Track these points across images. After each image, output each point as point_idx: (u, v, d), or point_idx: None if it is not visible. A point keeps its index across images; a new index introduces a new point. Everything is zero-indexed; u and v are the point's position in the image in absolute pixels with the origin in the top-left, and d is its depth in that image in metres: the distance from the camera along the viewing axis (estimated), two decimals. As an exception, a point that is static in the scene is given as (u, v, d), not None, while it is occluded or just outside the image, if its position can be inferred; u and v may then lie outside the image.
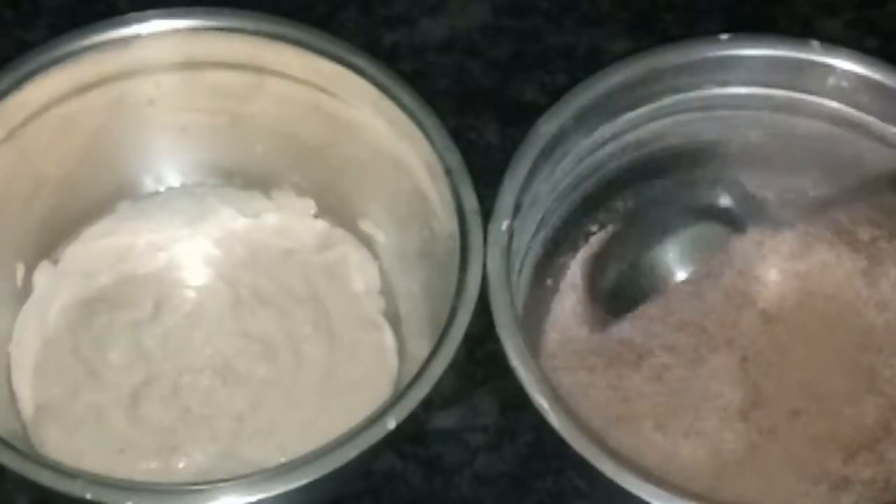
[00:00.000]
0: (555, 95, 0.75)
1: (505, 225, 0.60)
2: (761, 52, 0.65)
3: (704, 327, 0.66)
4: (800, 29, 0.79)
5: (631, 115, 0.65)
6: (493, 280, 0.58)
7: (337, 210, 0.69)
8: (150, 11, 0.66)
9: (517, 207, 0.60)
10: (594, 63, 0.77)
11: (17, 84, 0.64)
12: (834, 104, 0.66)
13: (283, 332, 0.64)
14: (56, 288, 0.66)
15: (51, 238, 0.68)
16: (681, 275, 0.63)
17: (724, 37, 0.65)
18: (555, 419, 0.56)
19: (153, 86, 0.67)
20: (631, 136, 0.66)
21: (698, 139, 0.67)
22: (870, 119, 0.65)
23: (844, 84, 0.65)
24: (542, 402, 0.56)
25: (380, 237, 0.68)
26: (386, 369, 0.65)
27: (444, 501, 0.64)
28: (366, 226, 0.69)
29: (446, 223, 0.62)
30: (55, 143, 0.66)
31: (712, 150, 0.67)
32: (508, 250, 0.60)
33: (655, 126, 0.66)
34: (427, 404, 0.58)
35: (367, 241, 0.69)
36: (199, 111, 0.69)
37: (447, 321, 0.58)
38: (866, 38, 0.78)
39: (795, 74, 0.65)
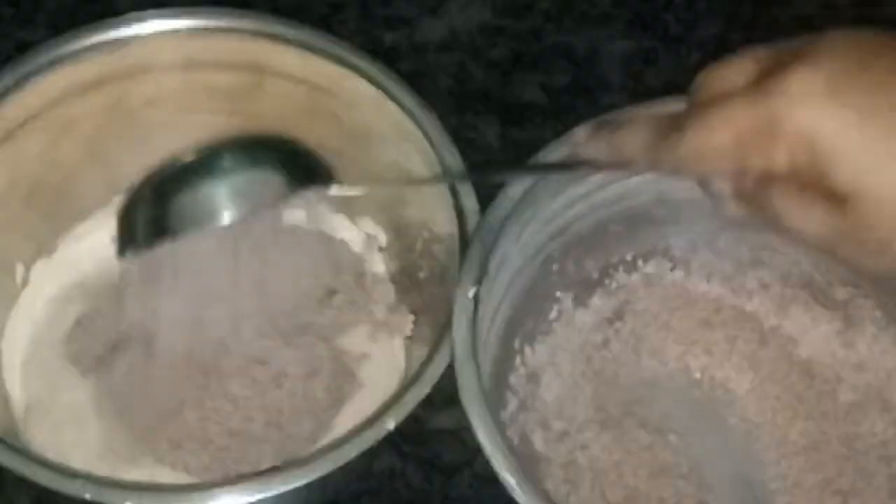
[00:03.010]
0: (555, 95, 0.75)
1: (472, 292, 0.58)
2: None
3: None
4: (800, 29, 0.79)
5: (595, 176, 0.62)
6: (459, 350, 0.57)
7: (336, 210, 0.69)
8: (150, 11, 0.66)
9: (484, 273, 0.58)
10: (594, 63, 0.77)
11: (17, 84, 0.64)
12: None
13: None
14: (43, 283, 0.66)
15: (50, 237, 0.68)
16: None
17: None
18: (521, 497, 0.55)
19: (153, 86, 0.67)
20: (598, 196, 0.63)
21: (669, 198, 0.64)
22: None
23: None
24: (508, 479, 0.55)
25: (380, 237, 0.68)
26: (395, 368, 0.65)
27: (444, 501, 0.64)
28: (365, 226, 0.69)
29: (446, 223, 0.62)
30: (55, 143, 0.66)
31: (685, 207, 0.65)
32: (475, 318, 0.57)
33: (625, 185, 0.63)
34: (427, 404, 0.58)
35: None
36: (199, 111, 0.69)
37: (447, 321, 0.58)
38: (866, 38, 0.78)
39: None
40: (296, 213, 0.69)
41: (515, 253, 0.61)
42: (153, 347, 0.62)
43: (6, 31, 0.77)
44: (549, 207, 0.62)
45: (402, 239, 0.67)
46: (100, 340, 0.64)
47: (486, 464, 0.65)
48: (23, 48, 0.65)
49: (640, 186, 0.63)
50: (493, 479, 0.65)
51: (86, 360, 0.64)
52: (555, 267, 0.64)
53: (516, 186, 0.60)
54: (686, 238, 0.67)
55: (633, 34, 0.78)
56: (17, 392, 0.64)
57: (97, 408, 0.63)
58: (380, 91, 0.65)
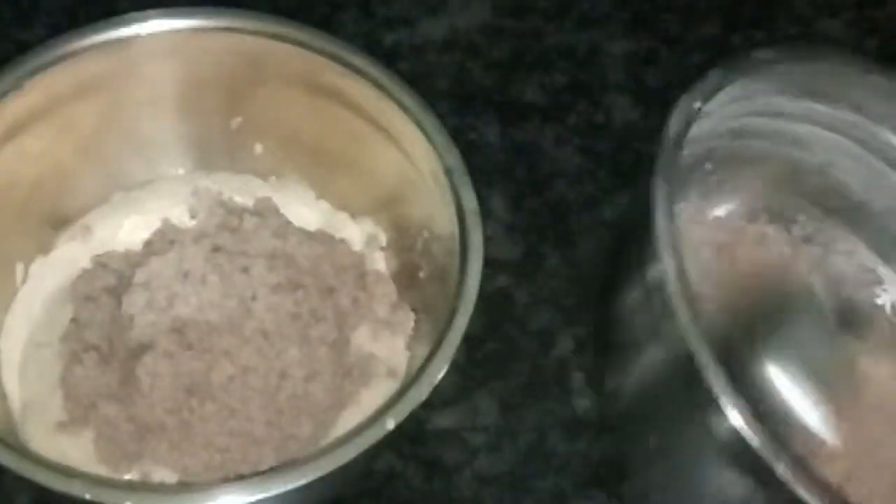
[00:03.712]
0: (555, 95, 0.76)
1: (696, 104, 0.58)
2: None
3: None
4: (800, 29, 0.79)
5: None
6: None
7: (337, 209, 0.69)
8: (150, 11, 0.66)
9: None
10: (594, 63, 0.77)
11: (17, 84, 0.64)
12: None
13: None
14: (42, 282, 0.66)
15: (49, 236, 0.68)
16: None
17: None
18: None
19: (153, 86, 0.67)
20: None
21: None
22: None
23: None
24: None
25: (380, 237, 0.68)
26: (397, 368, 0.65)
27: (444, 501, 0.64)
28: (366, 225, 0.69)
29: (446, 223, 0.62)
30: (55, 143, 0.66)
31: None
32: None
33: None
34: (427, 404, 0.58)
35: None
36: (199, 111, 0.69)
37: (447, 321, 0.58)
38: (866, 38, 0.78)
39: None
40: (296, 213, 0.69)
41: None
42: (152, 347, 0.62)
43: (6, 31, 0.77)
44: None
45: (403, 238, 0.67)
46: (97, 340, 0.64)
47: (487, 464, 0.65)
48: (23, 48, 0.65)
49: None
50: (493, 479, 0.65)
51: (84, 360, 0.64)
52: None
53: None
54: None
55: (633, 34, 0.78)
56: (14, 391, 0.64)
57: (91, 408, 0.63)
58: (380, 91, 0.65)
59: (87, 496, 0.55)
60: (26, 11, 0.78)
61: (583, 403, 0.67)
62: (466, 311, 0.59)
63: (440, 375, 0.57)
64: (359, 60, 0.65)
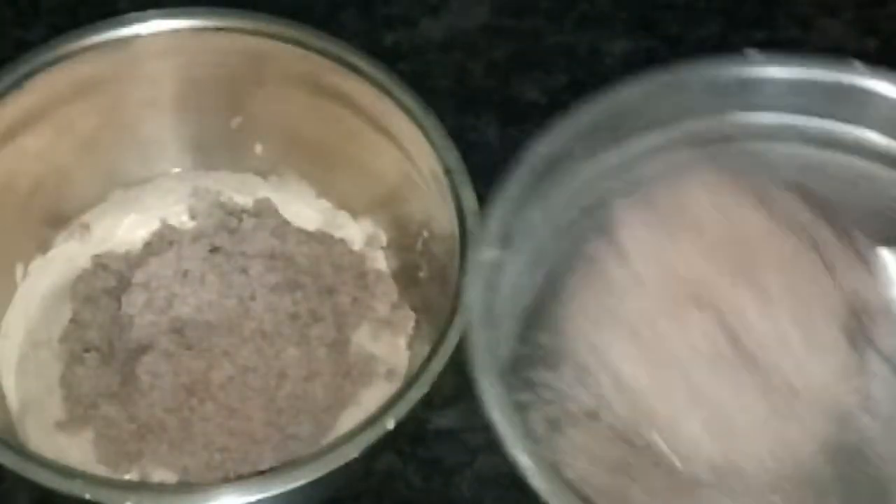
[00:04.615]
0: (555, 95, 0.75)
1: (490, 255, 0.51)
2: (794, 73, 0.56)
3: None
4: (800, 29, 0.79)
5: (640, 143, 0.56)
6: (475, 317, 0.50)
7: (336, 209, 0.69)
8: (150, 11, 0.66)
9: (507, 239, 0.52)
10: (594, 63, 0.77)
11: (17, 84, 0.64)
12: (880, 138, 0.57)
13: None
14: (40, 280, 0.66)
15: (48, 235, 0.68)
16: None
17: (752, 53, 0.57)
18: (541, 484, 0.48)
19: (153, 86, 0.67)
20: (641, 169, 0.56)
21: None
22: None
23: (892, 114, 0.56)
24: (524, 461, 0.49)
25: (380, 236, 0.68)
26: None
27: (444, 501, 0.64)
28: (366, 225, 0.69)
29: (446, 223, 0.62)
30: (55, 143, 0.66)
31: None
32: (494, 284, 0.51)
33: (670, 157, 0.57)
34: (427, 404, 0.58)
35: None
36: (199, 111, 0.69)
37: (447, 321, 0.58)
38: (866, 39, 0.78)
39: (832, 101, 0.56)
40: (296, 212, 0.69)
41: (541, 221, 0.54)
42: (152, 347, 0.62)
43: (6, 31, 0.77)
44: (585, 170, 0.55)
45: (403, 238, 0.67)
46: (97, 340, 0.64)
47: (487, 464, 0.65)
48: (23, 48, 0.65)
49: (691, 160, 0.56)
50: (493, 480, 0.65)
51: (84, 360, 0.64)
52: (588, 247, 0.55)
53: (546, 143, 0.54)
54: None
55: (633, 34, 0.78)
56: (12, 390, 0.64)
57: (91, 407, 0.63)
58: (380, 91, 0.65)
59: (87, 496, 0.55)
60: (26, 11, 0.77)
61: (583, 403, 0.67)
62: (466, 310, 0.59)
63: (440, 375, 0.57)
64: (359, 60, 0.65)
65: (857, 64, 0.56)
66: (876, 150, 0.56)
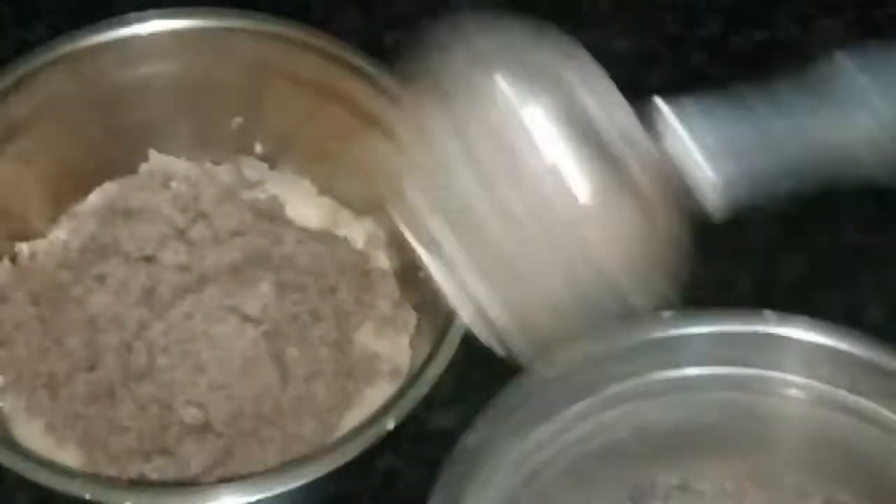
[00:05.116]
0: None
1: None
2: (710, 328, 0.58)
3: None
4: (800, 29, 0.79)
5: (568, 412, 0.57)
6: None
7: (337, 208, 0.69)
8: (150, 11, 0.66)
9: None
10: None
11: (17, 84, 0.64)
12: (798, 379, 0.59)
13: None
14: (27, 272, 0.66)
15: (45, 229, 0.68)
16: None
17: (667, 315, 0.58)
18: None
19: (153, 86, 0.67)
20: (572, 434, 0.58)
21: (649, 428, 0.59)
22: (846, 395, 0.58)
23: (807, 357, 0.58)
24: None
25: (381, 236, 0.68)
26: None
27: (444, 501, 0.64)
28: (367, 225, 0.69)
29: (446, 223, 0.62)
30: (55, 143, 0.66)
31: (666, 438, 0.60)
32: None
33: (599, 418, 0.58)
34: (427, 404, 0.58)
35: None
36: (199, 111, 0.69)
37: (447, 321, 0.58)
38: (866, 39, 0.78)
39: (750, 349, 0.58)
40: (298, 211, 0.69)
41: None
42: (152, 347, 0.62)
43: (6, 31, 0.77)
44: (516, 450, 0.56)
45: (402, 238, 0.67)
46: (85, 341, 0.64)
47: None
48: (23, 48, 0.65)
49: (617, 419, 0.59)
50: (493, 479, 0.65)
51: (63, 348, 0.63)
52: None
53: (475, 435, 0.56)
54: (674, 474, 0.61)
55: (633, 34, 0.78)
56: (9, 391, 0.64)
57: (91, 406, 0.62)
58: (380, 91, 0.65)
59: (87, 496, 0.55)
60: (26, 11, 0.77)
61: (583, 403, 0.67)
62: (466, 310, 0.59)
63: (440, 375, 0.57)
64: (359, 60, 0.65)
65: (768, 313, 0.58)
66: (799, 391, 0.59)
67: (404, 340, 0.65)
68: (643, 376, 0.59)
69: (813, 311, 0.59)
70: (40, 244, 0.67)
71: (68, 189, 0.68)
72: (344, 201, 0.69)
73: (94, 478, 0.58)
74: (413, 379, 0.58)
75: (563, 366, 0.57)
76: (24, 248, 0.67)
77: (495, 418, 0.56)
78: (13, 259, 0.66)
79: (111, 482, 0.58)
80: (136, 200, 0.67)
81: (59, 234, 0.67)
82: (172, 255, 0.64)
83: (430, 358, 0.58)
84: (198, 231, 0.66)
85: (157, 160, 0.69)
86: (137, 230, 0.65)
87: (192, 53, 0.67)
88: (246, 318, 0.63)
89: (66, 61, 0.65)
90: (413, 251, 0.63)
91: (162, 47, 0.66)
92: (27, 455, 0.57)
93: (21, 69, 0.64)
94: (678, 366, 0.59)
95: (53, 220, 0.68)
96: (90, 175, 0.68)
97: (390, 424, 0.56)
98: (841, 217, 0.72)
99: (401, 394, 0.58)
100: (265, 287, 0.63)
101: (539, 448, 0.57)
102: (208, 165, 0.69)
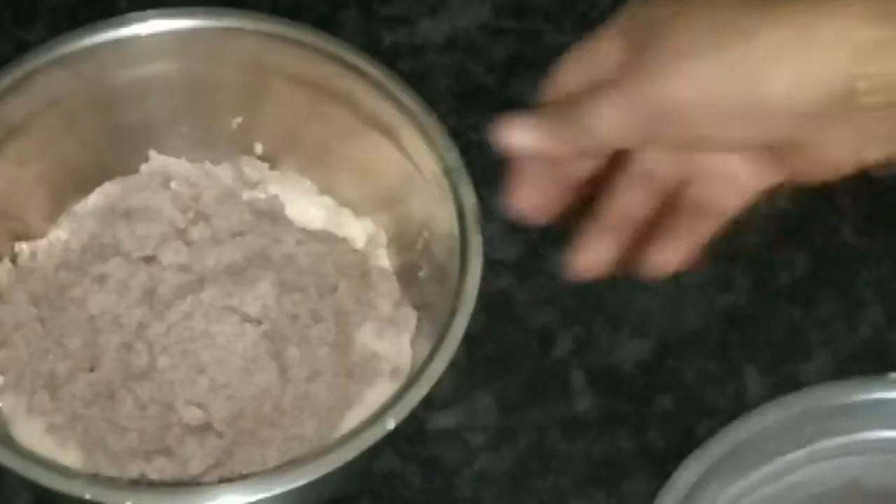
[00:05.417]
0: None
1: None
2: None
3: None
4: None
5: (781, 461, 0.59)
6: None
7: (338, 208, 0.69)
8: (150, 11, 0.66)
9: None
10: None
11: (17, 84, 0.64)
12: None
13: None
14: (28, 273, 0.66)
15: (44, 229, 0.68)
16: None
17: (893, 376, 0.59)
18: None
19: (153, 85, 0.67)
20: (781, 483, 0.59)
21: (860, 484, 0.60)
22: None
23: None
24: None
25: (381, 236, 0.68)
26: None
27: (444, 501, 0.64)
28: (367, 225, 0.69)
29: (446, 223, 0.62)
30: (55, 143, 0.66)
31: (876, 498, 0.60)
32: None
33: (809, 470, 0.60)
34: (427, 404, 0.58)
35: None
36: (199, 111, 0.69)
37: (447, 321, 0.58)
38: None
39: None
40: (299, 210, 0.69)
41: None
42: (153, 347, 0.62)
43: (6, 31, 0.77)
44: (723, 493, 0.58)
45: (403, 238, 0.67)
46: (75, 331, 0.63)
47: (487, 464, 0.65)
48: (23, 48, 0.65)
49: (829, 471, 0.60)
50: (493, 479, 0.65)
51: (63, 348, 0.63)
52: None
53: (689, 471, 0.56)
54: None
55: (633, 34, 0.78)
56: (8, 391, 0.64)
57: (92, 406, 0.62)
58: (380, 91, 0.65)
59: (87, 496, 0.55)
60: (26, 11, 0.77)
61: (583, 403, 0.67)
62: (466, 310, 0.59)
63: (440, 375, 0.58)
64: (359, 60, 0.65)
65: None
66: None
67: (405, 340, 0.65)
68: (859, 434, 0.60)
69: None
70: (40, 244, 0.67)
71: (68, 189, 0.68)
72: (344, 201, 0.69)
73: (95, 478, 0.58)
74: (413, 379, 0.58)
75: (780, 417, 0.58)
76: (24, 248, 0.67)
77: (706, 458, 0.57)
78: (13, 259, 0.66)
79: (111, 482, 0.58)
80: (136, 200, 0.67)
81: (59, 234, 0.67)
82: (173, 255, 0.64)
83: (430, 358, 0.58)
84: (198, 231, 0.66)
85: (157, 160, 0.69)
86: (138, 230, 0.65)
87: (191, 53, 0.67)
88: (246, 318, 0.63)
89: (65, 61, 0.65)
90: (413, 251, 0.63)
91: (162, 47, 0.66)
92: (27, 455, 0.57)
93: (21, 69, 0.64)
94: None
95: (53, 220, 0.68)
96: (90, 175, 0.68)
97: (390, 424, 0.56)
98: (841, 217, 0.72)
99: (401, 394, 0.58)
100: (265, 287, 0.63)
101: (746, 493, 0.59)
102: (208, 165, 0.69)
